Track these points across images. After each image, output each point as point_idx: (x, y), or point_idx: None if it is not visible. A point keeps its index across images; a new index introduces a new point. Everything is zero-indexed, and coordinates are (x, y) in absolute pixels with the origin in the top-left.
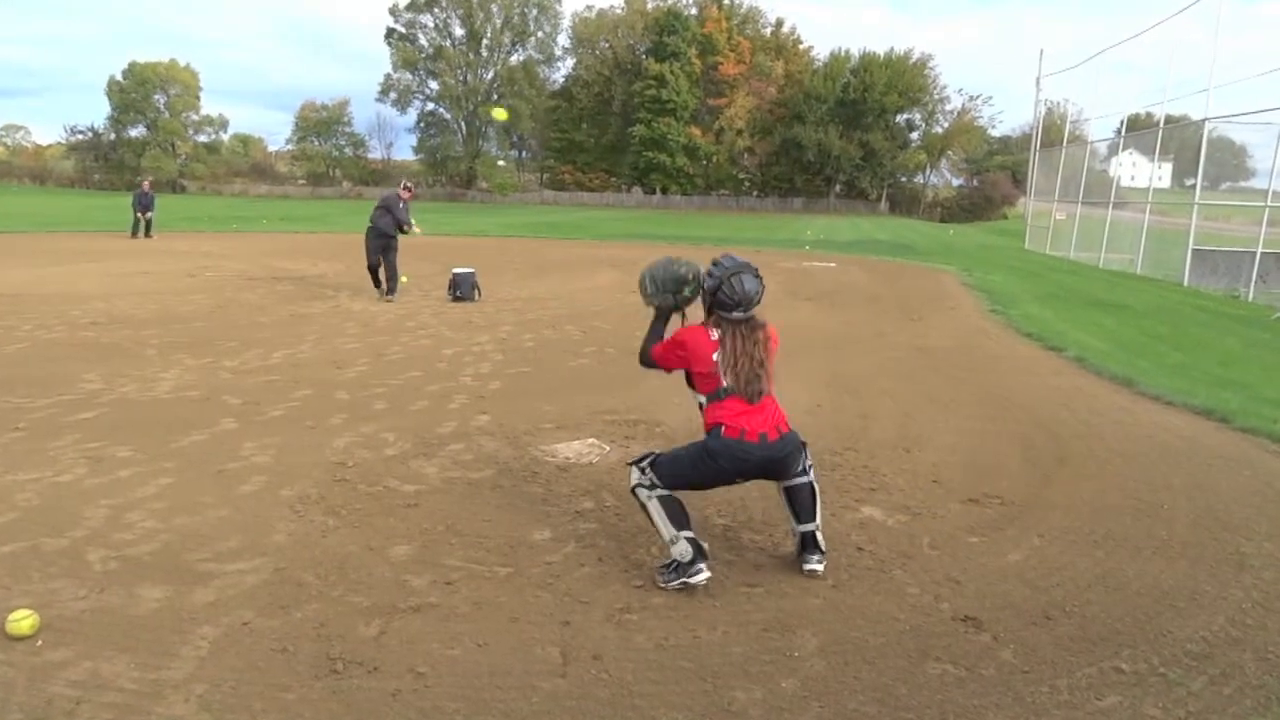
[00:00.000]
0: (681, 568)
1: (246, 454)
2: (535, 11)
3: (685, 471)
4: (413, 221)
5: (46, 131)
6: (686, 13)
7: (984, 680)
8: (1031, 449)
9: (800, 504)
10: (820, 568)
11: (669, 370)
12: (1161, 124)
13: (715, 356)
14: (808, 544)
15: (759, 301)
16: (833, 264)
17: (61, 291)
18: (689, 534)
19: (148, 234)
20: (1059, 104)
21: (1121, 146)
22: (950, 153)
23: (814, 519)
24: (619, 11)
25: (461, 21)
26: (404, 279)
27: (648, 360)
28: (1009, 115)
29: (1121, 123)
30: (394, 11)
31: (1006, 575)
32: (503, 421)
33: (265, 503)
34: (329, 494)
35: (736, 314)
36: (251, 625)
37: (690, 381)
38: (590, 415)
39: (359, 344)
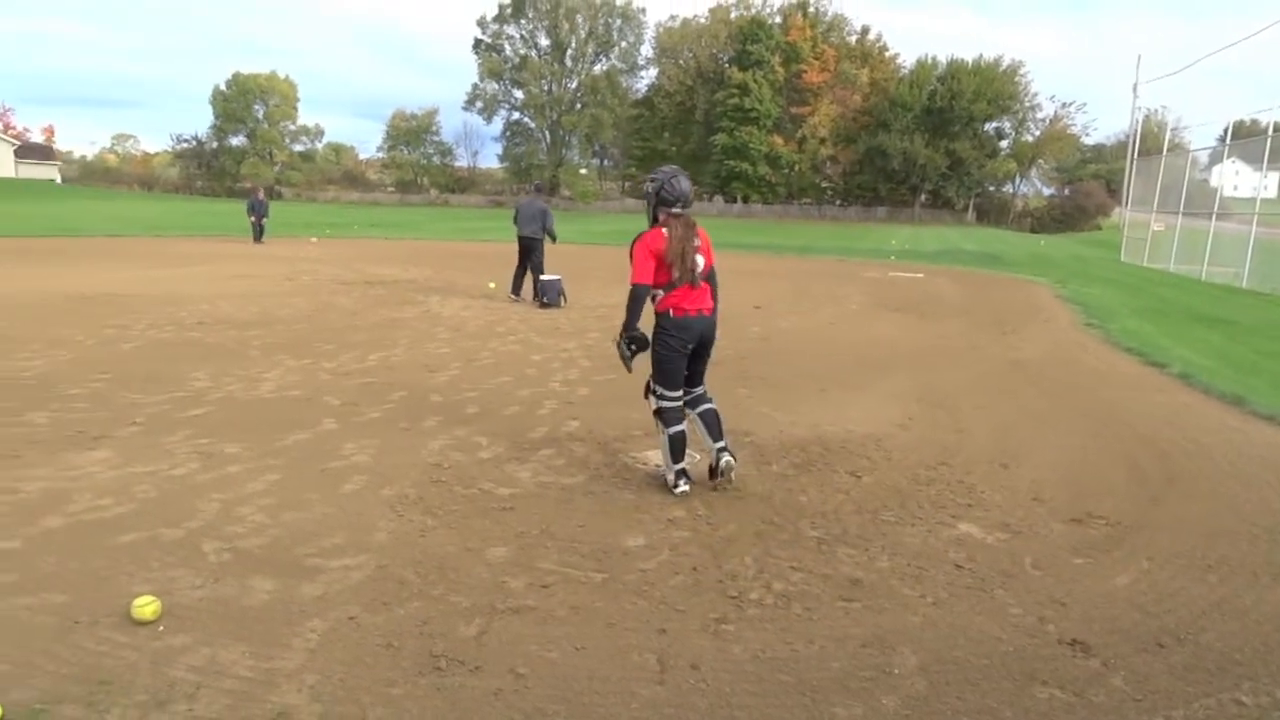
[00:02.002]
0: (670, 487)
1: (347, 454)
2: (619, 22)
3: (665, 366)
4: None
5: (154, 140)
6: (771, 21)
7: (1094, 707)
8: (1137, 468)
9: (712, 426)
10: (732, 459)
11: (654, 278)
12: (1270, 131)
13: (665, 249)
14: (722, 454)
15: (691, 200)
16: (919, 274)
17: (169, 293)
18: (680, 467)
19: (258, 239)
20: (1157, 111)
21: (1225, 155)
22: (1041, 161)
23: (724, 438)
24: (702, 21)
25: (547, 32)
26: (491, 284)
27: (641, 290)
28: (1103, 122)
29: (1225, 130)
30: (481, 23)
31: (1115, 599)
32: (593, 428)
33: (366, 501)
34: (426, 495)
35: (676, 209)
36: (358, 620)
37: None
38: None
39: (450, 349)
